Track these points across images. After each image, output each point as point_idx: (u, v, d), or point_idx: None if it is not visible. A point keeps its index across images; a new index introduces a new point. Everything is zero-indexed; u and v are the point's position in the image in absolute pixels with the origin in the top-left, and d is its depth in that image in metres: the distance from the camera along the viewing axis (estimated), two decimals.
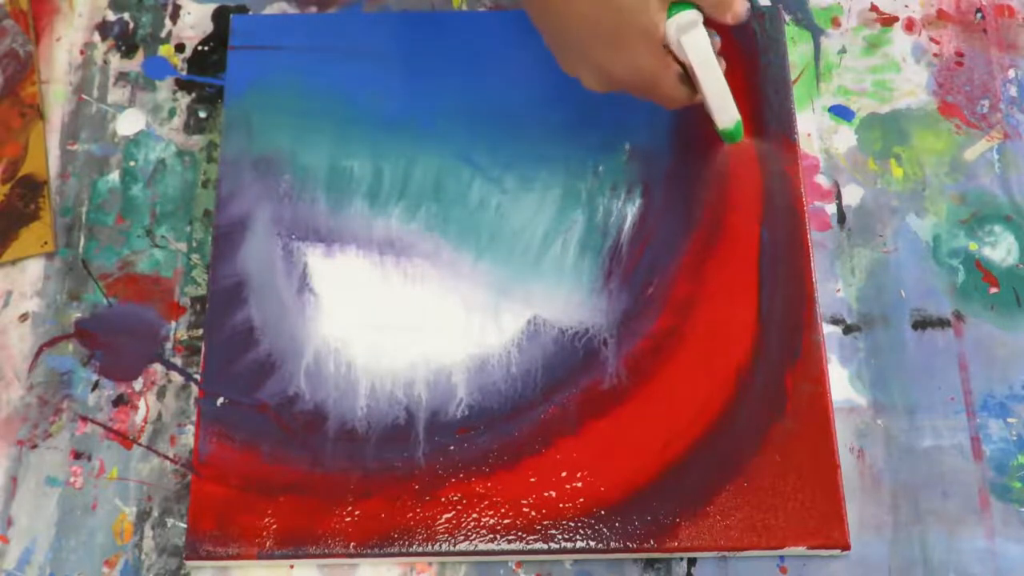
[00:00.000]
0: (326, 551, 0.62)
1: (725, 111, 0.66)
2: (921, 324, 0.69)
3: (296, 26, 0.75)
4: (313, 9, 0.77)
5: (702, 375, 0.66)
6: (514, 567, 0.63)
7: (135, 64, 0.76)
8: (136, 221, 0.71)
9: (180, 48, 0.76)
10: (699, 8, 0.61)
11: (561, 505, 0.63)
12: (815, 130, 0.74)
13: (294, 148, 0.72)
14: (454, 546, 0.62)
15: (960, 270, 0.70)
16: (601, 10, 0.59)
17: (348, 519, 0.63)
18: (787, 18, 0.77)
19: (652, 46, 0.61)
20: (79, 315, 0.69)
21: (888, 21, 0.77)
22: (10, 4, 0.77)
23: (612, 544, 0.62)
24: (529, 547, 0.62)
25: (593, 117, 0.72)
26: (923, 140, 0.74)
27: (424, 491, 0.63)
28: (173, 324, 0.69)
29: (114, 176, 0.73)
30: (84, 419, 0.66)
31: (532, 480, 0.64)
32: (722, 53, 0.65)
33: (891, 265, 0.70)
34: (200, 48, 0.76)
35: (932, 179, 0.72)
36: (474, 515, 0.63)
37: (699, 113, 0.68)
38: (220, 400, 0.66)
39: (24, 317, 0.69)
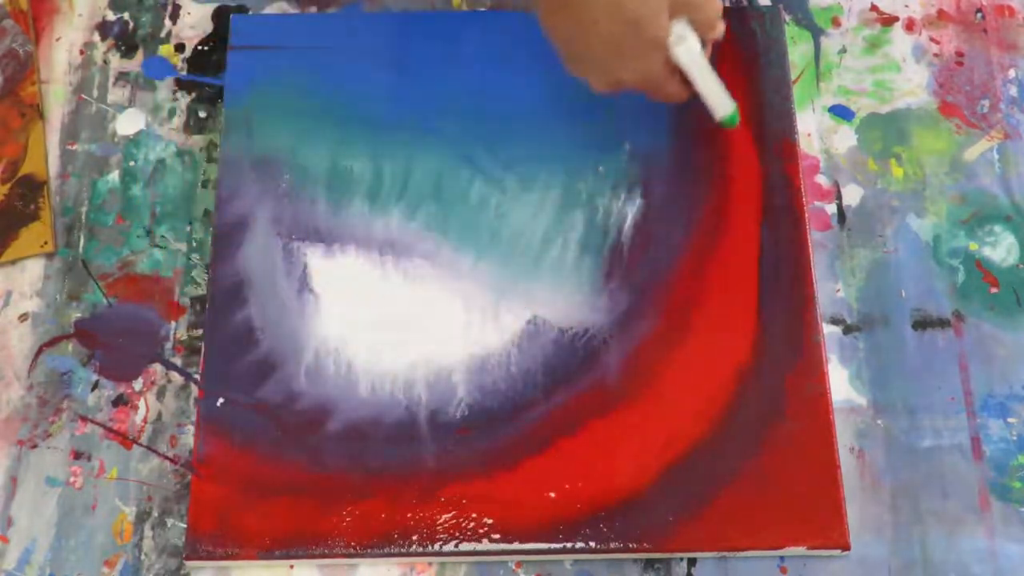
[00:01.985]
0: (326, 551, 0.62)
1: (720, 102, 0.67)
2: (921, 324, 0.69)
3: (296, 26, 0.75)
4: (313, 9, 0.77)
5: (702, 375, 0.66)
6: (514, 567, 0.63)
7: (135, 64, 0.76)
8: (136, 221, 0.71)
9: (180, 48, 0.76)
10: (690, 22, 0.65)
11: (561, 505, 0.63)
12: (815, 130, 0.74)
13: (294, 148, 0.72)
14: (454, 546, 0.62)
15: (960, 270, 0.70)
16: (617, 23, 0.62)
17: (348, 519, 0.63)
18: (787, 18, 0.77)
19: (661, 55, 0.64)
20: (79, 315, 0.69)
21: (888, 21, 0.77)
22: (10, 4, 0.77)
23: (612, 544, 0.62)
24: (529, 547, 0.62)
25: (593, 117, 0.72)
26: (923, 140, 0.74)
27: (424, 491, 0.63)
28: (173, 324, 0.69)
29: (114, 176, 0.73)
30: (84, 419, 0.66)
31: (532, 480, 0.63)
32: (716, 49, 0.68)
33: (891, 265, 0.70)
34: (200, 48, 0.76)
35: (932, 179, 0.72)
36: (474, 515, 0.63)
37: (698, 113, 0.68)
38: (220, 400, 0.66)
39: (24, 317, 0.69)
